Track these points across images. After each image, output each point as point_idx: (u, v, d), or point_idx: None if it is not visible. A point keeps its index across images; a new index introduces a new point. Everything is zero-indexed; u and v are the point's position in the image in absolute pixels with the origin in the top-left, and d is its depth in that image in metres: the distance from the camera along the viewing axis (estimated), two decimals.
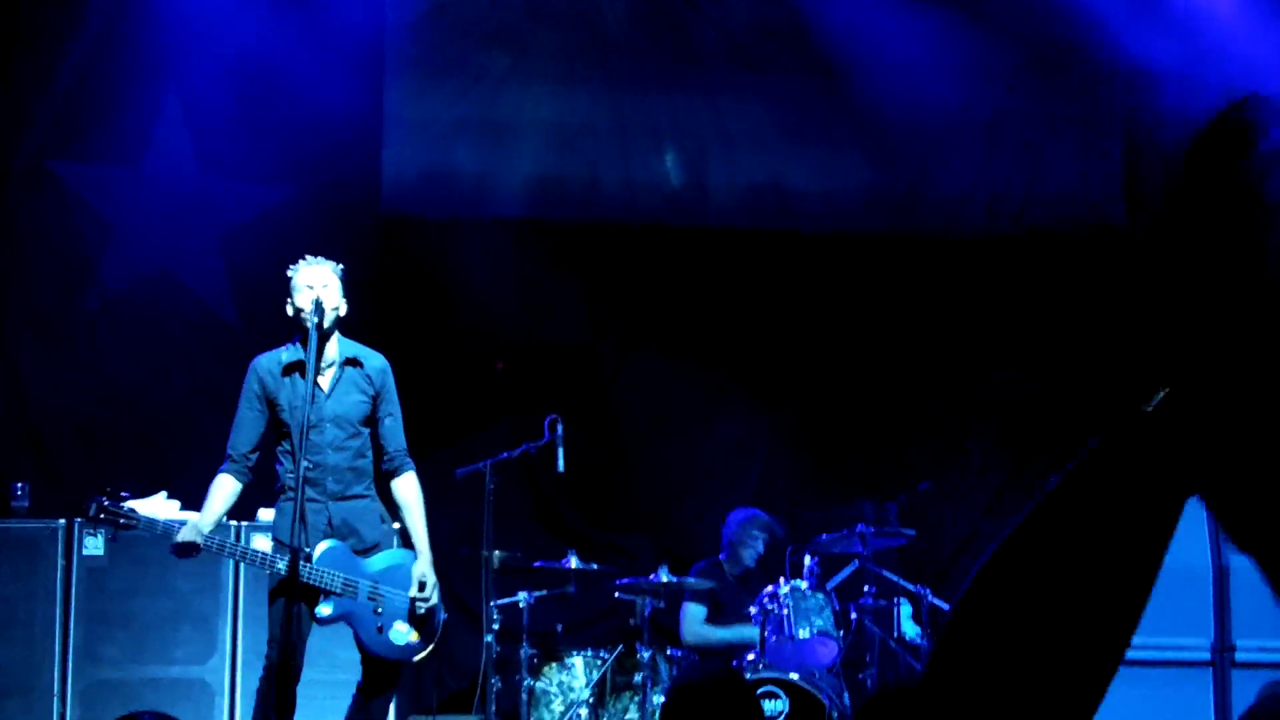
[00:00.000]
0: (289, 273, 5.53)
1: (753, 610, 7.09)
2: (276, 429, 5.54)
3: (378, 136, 8.57)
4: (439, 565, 5.70)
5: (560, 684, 6.95)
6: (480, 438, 7.87)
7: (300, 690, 5.18)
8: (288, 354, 5.54)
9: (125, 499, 5.39)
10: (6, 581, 6.82)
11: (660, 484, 8.62)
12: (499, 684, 6.96)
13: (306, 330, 5.38)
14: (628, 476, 8.71)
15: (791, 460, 8.70)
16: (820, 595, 7.00)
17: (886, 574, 7.36)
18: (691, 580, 7.25)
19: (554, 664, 6.97)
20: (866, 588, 7.28)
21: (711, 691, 3.36)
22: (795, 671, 6.70)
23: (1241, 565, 6.77)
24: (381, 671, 5.55)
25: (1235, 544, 1.86)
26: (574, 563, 7.05)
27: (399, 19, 8.60)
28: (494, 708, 6.88)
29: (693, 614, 7.55)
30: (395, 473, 5.64)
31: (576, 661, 6.98)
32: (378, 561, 5.54)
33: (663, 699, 6.16)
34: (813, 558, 7.17)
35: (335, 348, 5.56)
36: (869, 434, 8.75)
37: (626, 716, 6.88)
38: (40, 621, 6.79)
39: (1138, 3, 8.15)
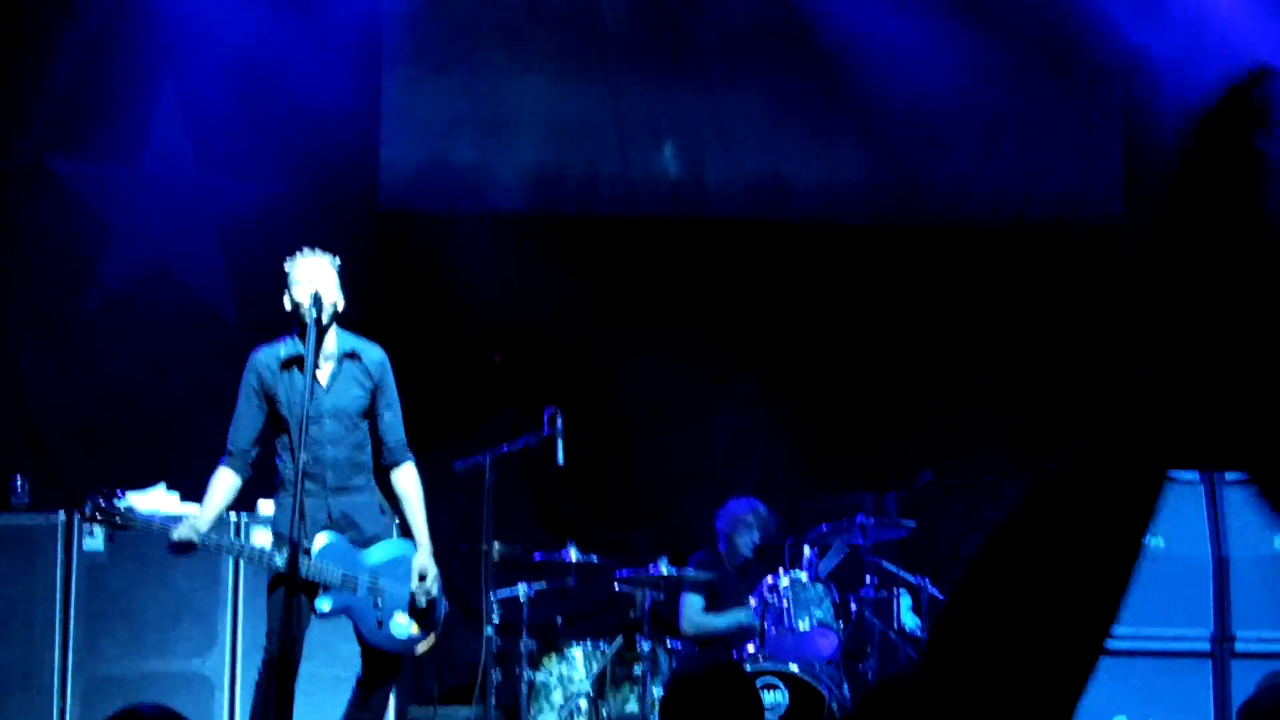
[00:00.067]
0: (286, 266, 5.53)
1: (752, 602, 7.09)
2: (275, 423, 5.54)
3: (376, 132, 8.57)
4: (439, 558, 5.70)
5: (560, 676, 6.95)
6: (479, 431, 7.88)
7: (300, 684, 5.18)
8: (286, 348, 5.54)
9: (121, 496, 5.39)
10: (6, 576, 6.82)
11: (660, 477, 8.62)
12: (499, 676, 6.96)
13: (304, 324, 5.37)
14: (627, 469, 8.72)
15: (791, 452, 8.70)
16: (820, 587, 7.00)
17: (886, 565, 7.37)
18: (691, 571, 7.25)
19: (554, 656, 6.98)
20: (867, 579, 7.29)
21: (711, 683, 3.35)
22: (795, 663, 6.71)
23: (1242, 556, 6.77)
24: (381, 664, 5.55)
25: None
26: (574, 555, 7.05)
27: (396, 13, 8.60)
28: (494, 700, 6.88)
29: (691, 604, 7.56)
30: (395, 466, 5.64)
31: (576, 654, 6.98)
32: (378, 554, 5.54)
33: (662, 691, 6.17)
34: (812, 549, 7.17)
35: (334, 341, 5.55)
36: (868, 426, 8.75)
37: (626, 708, 6.89)
38: (40, 616, 6.79)
39: None
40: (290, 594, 5.05)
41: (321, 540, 5.40)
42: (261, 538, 6.16)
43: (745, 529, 7.70)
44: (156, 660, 6.82)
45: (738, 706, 3.33)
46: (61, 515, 6.84)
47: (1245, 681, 6.42)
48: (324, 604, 5.38)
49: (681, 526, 8.38)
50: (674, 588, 7.52)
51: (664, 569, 6.94)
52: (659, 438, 8.68)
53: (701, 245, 8.81)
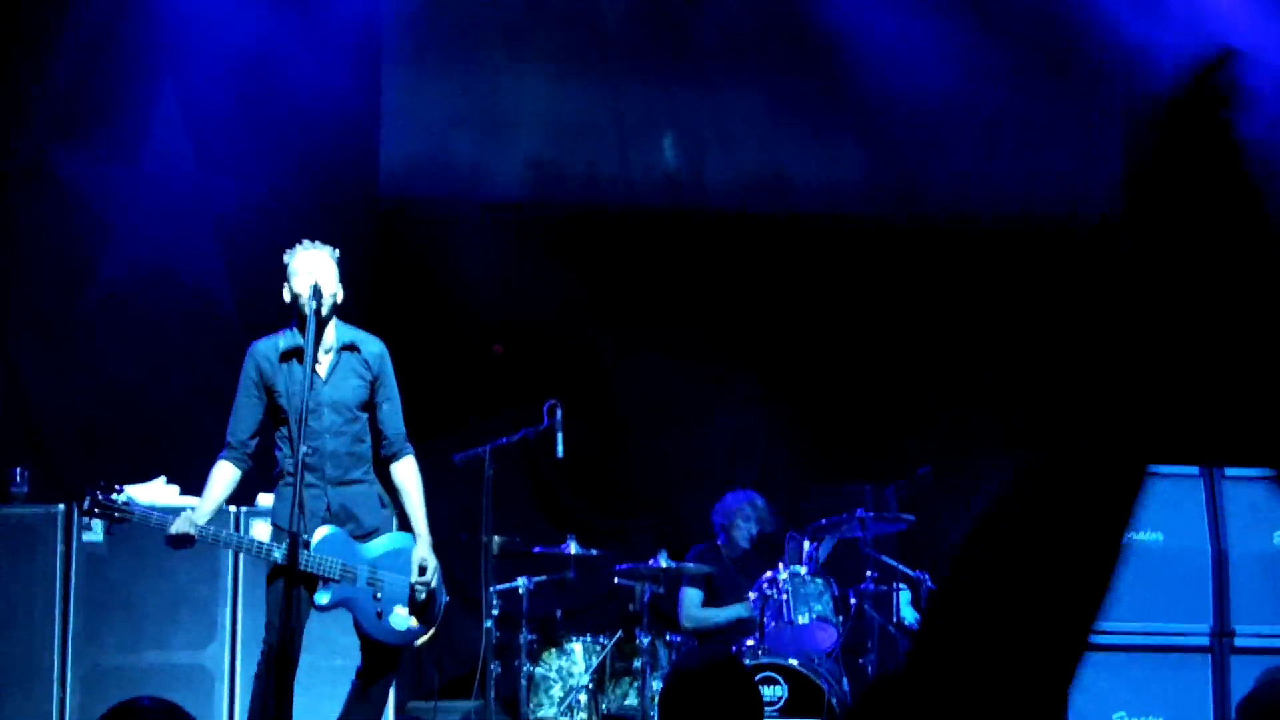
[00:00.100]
0: (285, 258, 5.52)
1: (751, 595, 7.09)
2: (275, 415, 5.54)
3: (376, 130, 8.57)
4: (439, 550, 5.69)
5: (560, 669, 6.95)
6: (479, 423, 7.88)
7: (300, 676, 5.17)
8: (285, 340, 5.54)
9: (120, 491, 5.39)
10: (6, 568, 6.82)
11: (660, 471, 8.62)
12: (498, 669, 6.96)
13: (304, 316, 5.36)
14: (627, 463, 8.72)
15: (791, 447, 8.71)
16: (819, 581, 7.00)
17: (886, 559, 7.37)
18: (690, 565, 7.26)
19: (553, 649, 6.98)
20: (867, 573, 7.29)
21: (710, 677, 3.35)
22: (794, 657, 6.71)
23: (1241, 551, 6.77)
24: (381, 657, 5.55)
25: None
26: (573, 548, 7.05)
27: (396, 12, 8.59)
28: (493, 693, 6.89)
29: (690, 598, 7.56)
30: (394, 457, 5.64)
31: (576, 647, 6.98)
32: (377, 546, 5.54)
33: (661, 684, 6.17)
34: (812, 543, 7.17)
35: (333, 333, 5.55)
36: (868, 422, 8.76)
37: (625, 702, 6.89)
38: (40, 608, 6.79)
39: None
40: (290, 586, 5.05)
41: (321, 532, 5.40)
42: (261, 530, 6.16)
43: (743, 521, 7.70)
44: (156, 652, 6.82)
45: (737, 700, 3.33)
46: (61, 507, 6.83)
47: (1244, 676, 6.43)
48: (323, 597, 5.38)
49: (682, 520, 8.39)
50: (673, 581, 7.52)
51: (663, 562, 6.94)
52: (659, 432, 8.69)
53: (701, 241, 8.82)
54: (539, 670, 6.94)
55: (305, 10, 8.14)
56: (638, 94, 8.82)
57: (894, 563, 7.36)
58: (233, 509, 6.75)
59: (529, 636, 6.93)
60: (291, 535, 5.10)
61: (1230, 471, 6.89)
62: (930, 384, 8.65)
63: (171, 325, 8.08)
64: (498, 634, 6.92)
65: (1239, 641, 6.67)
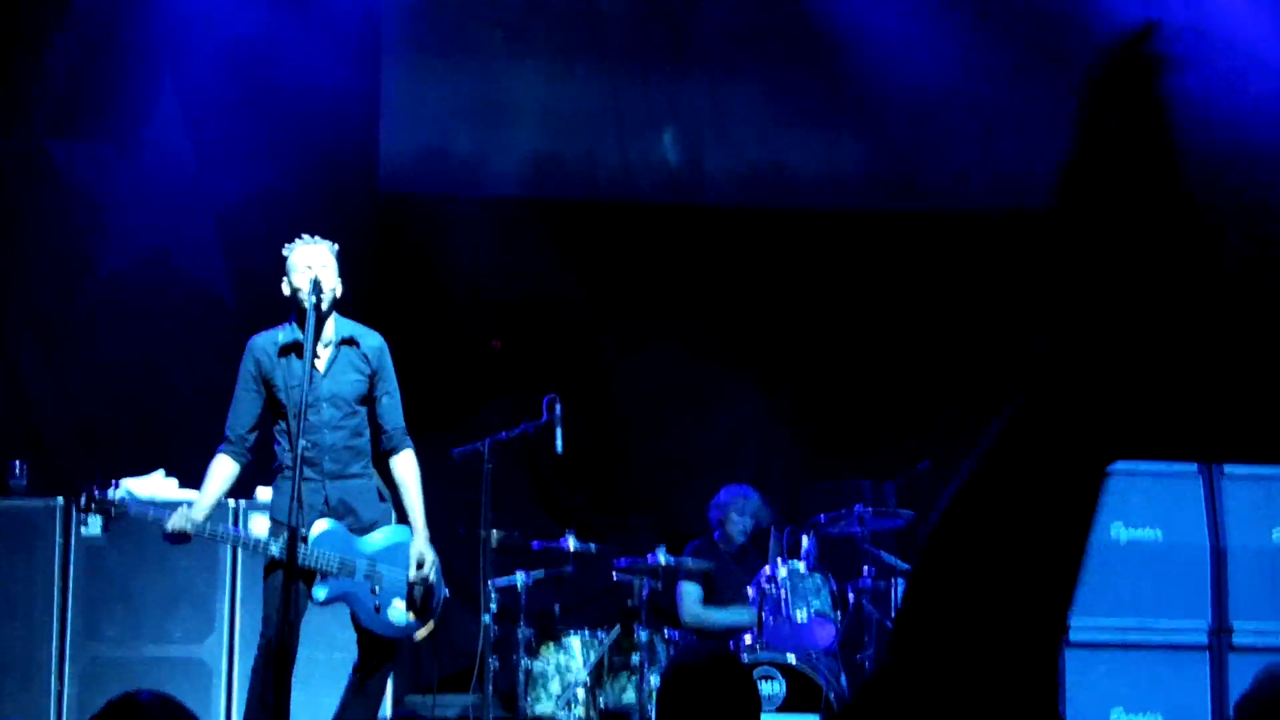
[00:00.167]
0: (285, 252, 5.52)
1: (750, 592, 7.09)
2: (273, 409, 5.54)
3: (375, 117, 8.56)
4: (438, 544, 5.70)
5: (558, 665, 6.95)
6: (478, 417, 7.87)
7: (298, 670, 5.18)
8: (284, 334, 5.54)
9: (116, 486, 5.40)
10: (5, 561, 6.83)
11: (659, 466, 8.62)
12: (497, 664, 6.96)
13: (303, 310, 5.37)
14: (626, 458, 8.72)
15: (790, 441, 8.71)
16: (818, 576, 7.00)
17: (884, 555, 7.37)
18: (689, 561, 7.25)
19: (552, 645, 6.97)
20: (865, 569, 7.29)
21: (708, 672, 3.35)
22: (793, 653, 6.71)
23: (1239, 548, 6.77)
24: (377, 649, 5.55)
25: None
26: (572, 544, 7.05)
27: (396, 3, 8.59)
28: (491, 688, 6.88)
29: (689, 595, 7.56)
30: (393, 451, 5.64)
31: (574, 642, 6.98)
32: (376, 540, 5.54)
33: (659, 680, 6.17)
34: (810, 539, 7.17)
35: (332, 327, 5.55)
36: (867, 417, 8.75)
37: (624, 697, 6.89)
38: (39, 601, 6.80)
39: None
40: (288, 580, 5.05)
41: (319, 527, 5.40)
42: (259, 524, 6.16)
43: (736, 515, 7.71)
44: (154, 645, 6.82)
45: (735, 696, 3.32)
46: (60, 500, 6.84)
47: (1243, 674, 6.43)
48: (321, 591, 5.38)
49: (681, 514, 8.38)
50: (672, 577, 7.52)
51: (662, 558, 6.94)
52: (658, 427, 8.69)
53: (701, 234, 8.82)
54: (537, 665, 6.93)
55: (305, 3, 8.13)
56: (637, 88, 8.82)
57: (892, 558, 7.36)
58: (232, 503, 6.75)
59: (527, 631, 6.93)
60: (290, 529, 5.09)
61: (1229, 469, 6.90)
62: (930, 379, 8.64)
63: (171, 319, 8.08)
64: (496, 629, 6.91)
65: (1237, 639, 6.67)
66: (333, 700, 5.68)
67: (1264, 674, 3.34)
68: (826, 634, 6.95)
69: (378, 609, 5.49)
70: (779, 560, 7.07)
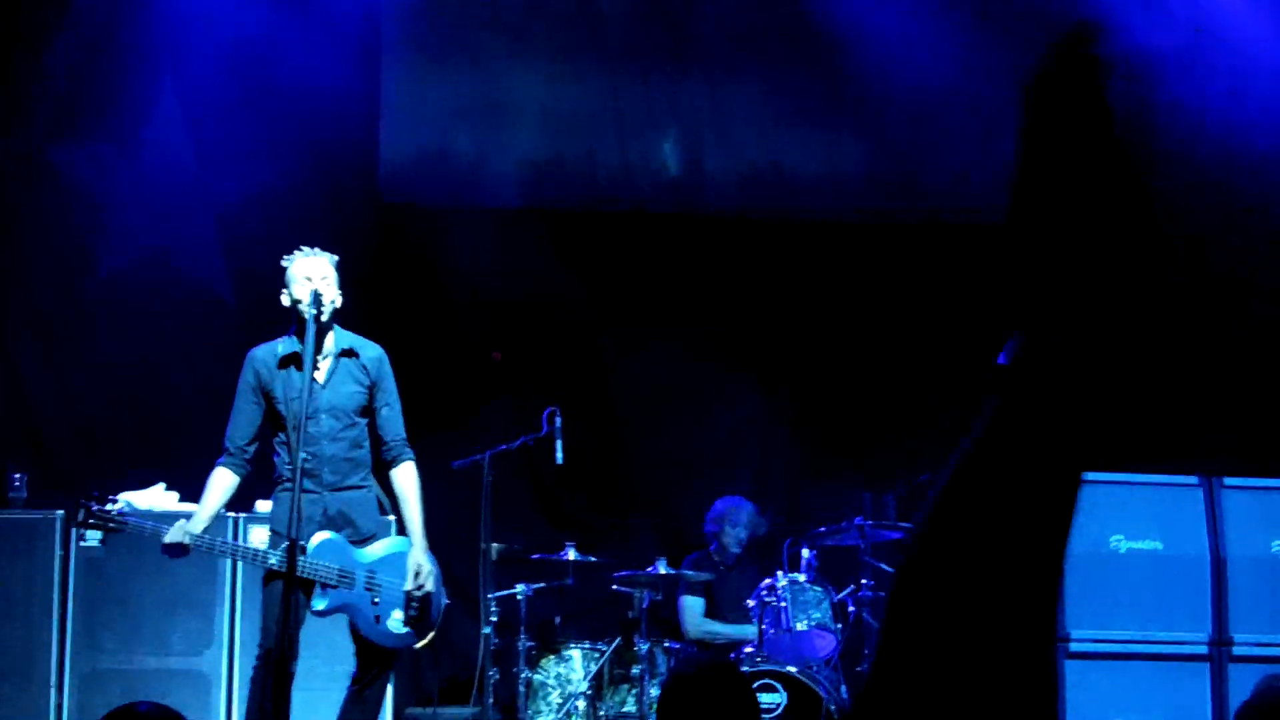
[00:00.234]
0: (284, 263, 5.52)
1: (751, 603, 7.09)
2: (273, 421, 5.53)
3: (375, 121, 8.57)
4: (439, 551, 5.69)
5: (558, 676, 6.94)
6: (478, 420, 7.88)
7: (298, 680, 5.17)
8: (283, 346, 5.53)
9: (114, 500, 5.40)
10: (4, 571, 6.82)
11: (660, 467, 8.62)
12: (497, 675, 6.96)
13: (303, 321, 5.36)
14: (627, 464, 8.72)
15: (791, 443, 8.71)
16: (819, 588, 7.00)
17: (884, 567, 7.36)
18: (689, 572, 7.25)
19: (552, 656, 6.97)
20: (865, 580, 7.28)
21: (708, 683, 3.35)
22: (793, 664, 6.70)
23: (1240, 559, 6.77)
24: (375, 659, 5.54)
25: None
26: (572, 555, 7.05)
27: (396, 5, 8.60)
28: (492, 699, 6.88)
29: (691, 607, 7.56)
30: (394, 462, 5.63)
31: (574, 653, 6.98)
32: (375, 551, 5.54)
33: (659, 691, 6.16)
34: (811, 550, 7.16)
35: (331, 339, 5.55)
36: (867, 425, 8.74)
37: (624, 708, 6.88)
38: (38, 611, 6.79)
39: None
40: (287, 591, 5.04)
41: (318, 537, 5.39)
42: (258, 536, 6.15)
43: (730, 527, 7.71)
44: (154, 656, 6.82)
45: (734, 707, 3.32)
46: (60, 512, 6.83)
47: (1243, 684, 6.42)
48: (320, 602, 5.38)
49: (681, 520, 8.38)
50: (672, 588, 7.52)
51: (662, 569, 6.94)
52: (659, 433, 8.68)
53: (701, 238, 8.82)
54: (537, 676, 6.93)
55: (305, 5, 8.14)
56: (637, 88, 8.82)
57: (892, 570, 7.35)
58: (231, 515, 6.74)
59: (527, 643, 6.93)
60: (291, 541, 5.09)
61: (1229, 480, 6.90)
62: (929, 381, 8.64)
63: (171, 319, 8.09)
64: (496, 640, 6.92)
65: (1237, 650, 6.66)
66: (331, 711, 5.67)
67: (1264, 684, 3.34)
68: (827, 645, 6.95)
69: (378, 619, 5.49)
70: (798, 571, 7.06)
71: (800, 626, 6.86)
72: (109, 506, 5.37)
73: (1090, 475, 6.21)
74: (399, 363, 5.74)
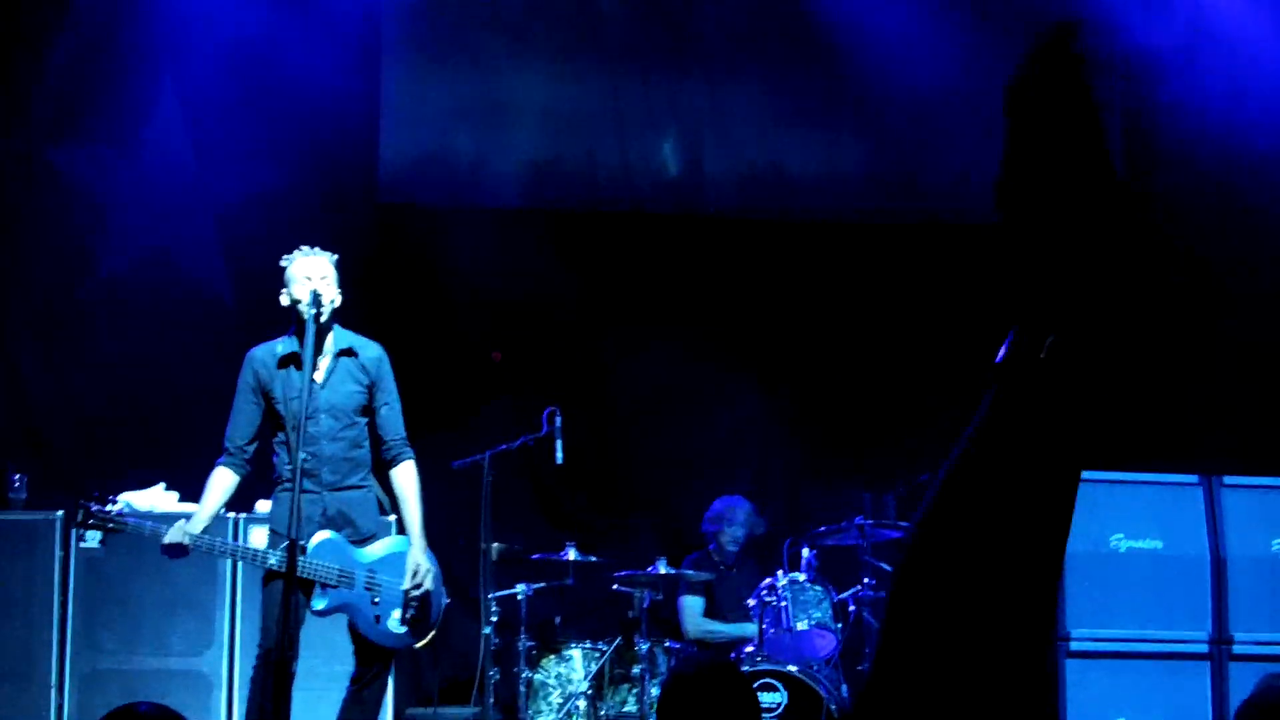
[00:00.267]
0: (283, 262, 5.51)
1: (751, 603, 7.09)
2: (272, 421, 5.53)
3: (375, 122, 8.57)
4: (439, 551, 5.69)
5: (558, 676, 6.94)
6: (478, 426, 7.87)
7: (298, 680, 5.17)
8: (283, 346, 5.53)
9: (114, 500, 5.40)
10: (4, 572, 6.82)
11: (659, 472, 8.62)
12: (497, 675, 6.96)
13: (302, 321, 5.36)
14: (627, 460, 8.72)
15: (791, 443, 8.71)
16: (819, 587, 7.00)
17: (885, 566, 7.36)
18: (690, 572, 7.26)
19: (552, 656, 6.97)
20: (865, 580, 7.28)
21: (708, 683, 3.35)
22: (794, 663, 6.70)
23: (1240, 557, 6.77)
24: (373, 658, 5.54)
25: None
26: (572, 555, 7.05)
27: (396, 6, 8.60)
28: (492, 699, 6.88)
29: (691, 607, 7.56)
30: (394, 462, 5.63)
31: (575, 653, 6.98)
32: (375, 551, 5.54)
33: (659, 690, 6.16)
34: (811, 550, 7.17)
35: (331, 338, 5.54)
36: (867, 424, 8.74)
37: (624, 708, 6.88)
38: (38, 612, 6.79)
39: None
40: (287, 591, 5.04)
41: (317, 537, 5.39)
42: (258, 536, 6.15)
43: (728, 527, 7.72)
44: (154, 657, 6.82)
45: (735, 706, 3.32)
46: (60, 512, 6.83)
47: (1243, 683, 6.43)
48: (320, 602, 5.38)
49: (681, 516, 8.38)
50: (672, 588, 7.52)
51: (662, 569, 6.95)
52: (659, 432, 8.68)
53: (701, 240, 8.82)
54: (538, 676, 6.93)
55: (305, 5, 8.14)
56: (637, 88, 8.82)
57: (892, 569, 7.35)
58: (231, 515, 6.74)
59: (528, 643, 6.93)
60: (291, 541, 5.08)
61: (1229, 480, 6.90)
62: (931, 387, 8.63)
63: (171, 322, 8.09)
64: (497, 640, 6.91)
65: (1238, 648, 6.67)
66: (331, 711, 5.67)
67: (1264, 683, 3.34)
68: (827, 644, 6.95)
69: (377, 619, 5.49)
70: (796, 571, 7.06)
71: (801, 626, 6.86)
72: (109, 507, 5.37)
73: (1090, 475, 6.23)
74: (399, 363, 5.74)
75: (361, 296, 6.01)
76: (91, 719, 6.55)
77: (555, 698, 6.89)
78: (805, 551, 7.17)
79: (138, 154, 8.13)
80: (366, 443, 5.59)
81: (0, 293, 8.02)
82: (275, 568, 5.27)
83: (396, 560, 5.54)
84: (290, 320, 5.49)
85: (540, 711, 6.87)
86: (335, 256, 5.56)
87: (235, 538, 6.78)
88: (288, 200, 7.98)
